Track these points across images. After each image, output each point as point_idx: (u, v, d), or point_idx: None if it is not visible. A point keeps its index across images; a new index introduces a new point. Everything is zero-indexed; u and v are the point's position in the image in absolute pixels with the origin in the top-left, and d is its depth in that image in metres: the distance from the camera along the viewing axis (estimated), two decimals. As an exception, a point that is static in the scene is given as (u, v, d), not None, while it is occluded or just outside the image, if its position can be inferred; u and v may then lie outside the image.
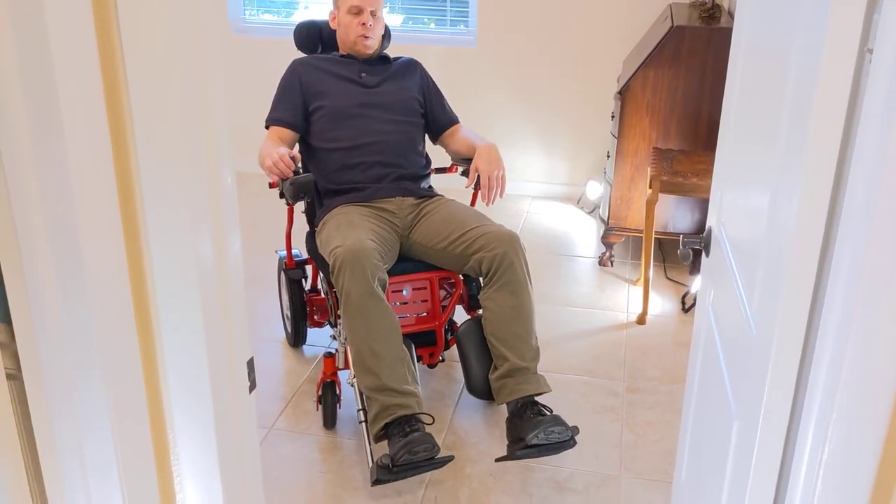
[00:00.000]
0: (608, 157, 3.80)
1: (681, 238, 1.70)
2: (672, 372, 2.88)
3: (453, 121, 2.85)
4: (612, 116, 3.70)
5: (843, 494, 0.94)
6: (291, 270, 2.85)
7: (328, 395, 2.55)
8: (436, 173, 2.84)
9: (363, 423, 2.33)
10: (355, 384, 2.36)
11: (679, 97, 3.42)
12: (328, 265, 2.32)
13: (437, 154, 2.94)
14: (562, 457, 2.39)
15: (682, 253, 1.63)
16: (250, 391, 1.21)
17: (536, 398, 2.34)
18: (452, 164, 2.89)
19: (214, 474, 1.16)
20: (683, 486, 1.87)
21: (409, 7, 4.62)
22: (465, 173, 2.69)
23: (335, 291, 2.36)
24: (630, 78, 3.47)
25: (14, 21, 0.91)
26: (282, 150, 2.48)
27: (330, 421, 2.57)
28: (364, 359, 2.26)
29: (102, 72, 1.02)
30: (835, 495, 0.96)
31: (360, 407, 2.34)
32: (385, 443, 2.24)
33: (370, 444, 2.31)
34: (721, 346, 1.52)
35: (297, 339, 2.99)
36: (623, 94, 3.49)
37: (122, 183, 1.08)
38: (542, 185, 4.62)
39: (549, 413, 2.30)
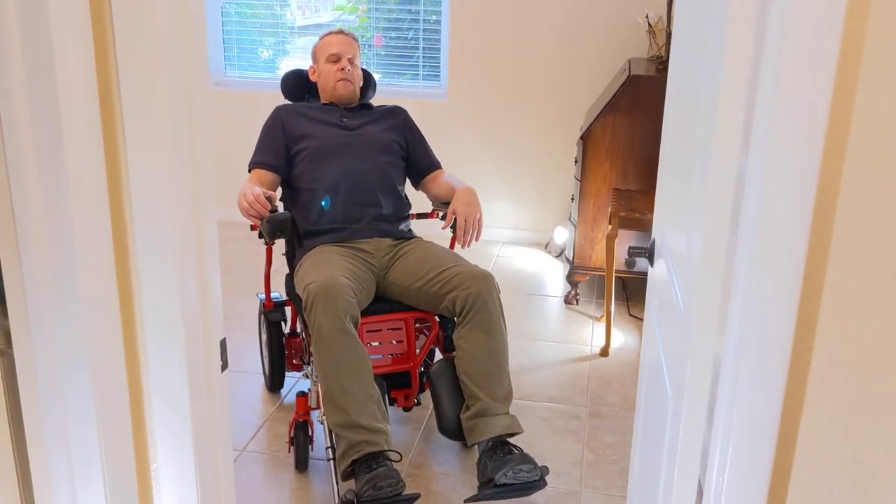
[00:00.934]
0: (572, 199, 3.97)
1: (628, 248, 1.84)
2: (633, 399, 2.99)
3: (434, 166, 2.88)
4: (576, 161, 3.88)
5: (751, 462, 1.07)
6: (270, 312, 2.84)
7: (300, 436, 2.52)
8: (417, 218, 2.89)
9: (331, 462, 2.31)
10: (325, 421, 2.34)
11: (636, 141, 3.61)
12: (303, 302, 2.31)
13: (420, 199, 2.98)
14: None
15: (627, 261, 1.77)
16: (222, 370, 1.32)
17: (508, 439, 2.31)
18: (434, 210, 2.90)
19: (187, 441, 1.25)
20: (636, 488, 1.97)
21: (386, 64, 4.84)
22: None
23: (308, 328, 2.34)
24: (591, 124, 3.67)
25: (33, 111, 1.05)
26: (257, 189, 2.51)
27: (302, 463, 2.54)
28: (333, 395, 2.25)
29: (105, 140, 1.15)
30: (743, 463, 1.08)
31: (329, 444, 2.33)
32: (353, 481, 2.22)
33: (337, 484, 2.29)
34: (661, 344, 1.65)
35: (274, 382, 2.99)
36: (585, 139, 3.68)
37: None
38: (511, 230, 4.78)
39: (518, 451, 2.26)
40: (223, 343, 1.31)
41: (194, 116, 1.22)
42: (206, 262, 1.25)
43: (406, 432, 2.79)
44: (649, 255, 1.86)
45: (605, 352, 3.35)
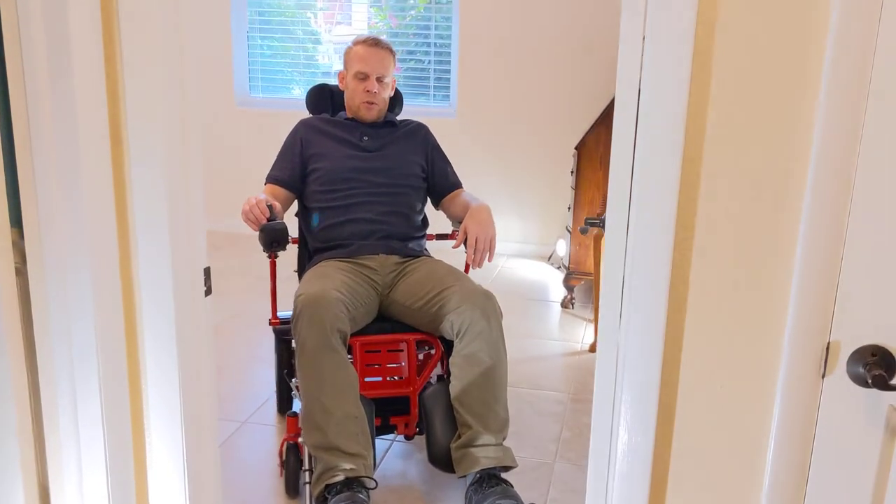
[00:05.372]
0: (569, 209, 4.17)
1: (584, 219, 2.04)
2: (616, 389, 3.15)
3: (455, 186, 2.74)
4: (572, 172, 4.09)
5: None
6: (276, 328, 2.65)
7: (290, 459, 2.35)
8: (437, 239, 2.79)
9: (307, 485, 2.22)
10: (302, 441, 2.23)
11: (628, 151, 3.80)
12: None
13: (441, 221, 2.89)
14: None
15: (581, 228, 1.96)
16: (206, 294, 1.53)
17: (500, 472, 2.20)
18: (454, 231, 2.74)
19: (173, 354, 1.47)
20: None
21: (401, 86, 5.11)
22: None
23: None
24: (585, 135, 3.88)
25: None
26: (260, 196, 2.45)
27: (293, 488, 2.36)
28: (313, 414, 2.14)
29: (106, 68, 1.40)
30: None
31: (307, 467, 2.23)
32: None
33: None
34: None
35: (281, 403, 2.88)
36: (579, 149, 3.89)
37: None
38: (517, 244, 4.97)
39: (507, 486, 2.16)
40: (207, 270, 1.53)
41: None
42: (190, 191, 1.47)
43: (407, 459, 2.67)
44: (602, 224, 2.05)
45: (593, 347, 3.51)
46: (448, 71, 5.00)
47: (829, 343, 1.20)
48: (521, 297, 4.21)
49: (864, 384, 1.17)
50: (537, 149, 4.84)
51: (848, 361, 1.19)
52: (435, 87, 5.06)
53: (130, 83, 1.39)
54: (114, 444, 1.48)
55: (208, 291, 1.54)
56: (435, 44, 5.00)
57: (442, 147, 2.80)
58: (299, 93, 5.21)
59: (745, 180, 1.17)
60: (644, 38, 1.18)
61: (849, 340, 1.19)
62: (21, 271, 1.45)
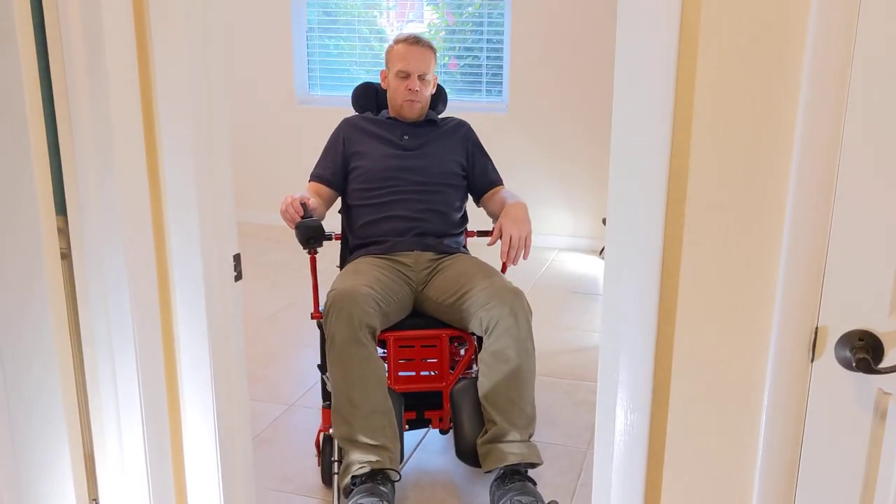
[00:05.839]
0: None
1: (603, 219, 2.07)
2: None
3: (494, 183, 2.74)
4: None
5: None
6: (319, 321, 2.57)
7: (326, 449, 2.41)
8: (478, 236, 2.79)
9: (336, 475, 2.27)
10: (332, 433, 2.30)
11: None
12: None
13: (484, 217, 2.84)
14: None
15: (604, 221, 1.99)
16: (236, 280, 1.64)
17: (525, 468, 2.23)
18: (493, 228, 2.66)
19: (203, 332, 1.58)
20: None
21: (456, 82, 5.20)
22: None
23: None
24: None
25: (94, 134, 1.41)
26: (297, 194, 2.49)
27: (328, 477, 2.40)
28: (340, 407, 2.21)
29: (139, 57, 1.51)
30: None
31: (337, 458, 2.28)
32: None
33: (338, 499, 2.24)
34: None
35: (326, 394, 2.73)
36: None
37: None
38: (568, 237, 5.00)
39: (527, 482, 2.19)
40: (237, 257, 1.64)
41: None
42: (217, 182, 1.58)
43: (440, 453, 2.71)
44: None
45: (636, 340, 3.52)
46: (500, 67, 5.05)
47: (817, 328, 1.22)
48: (569, 291, 4.24)
49: (851, 368, 1.20)
50: (588, 143, 4.85)
51: (836, 346, 1.22)
52: (488, 82, 5.12)
53: (161, 83, 1.50)
54: (150, 410, 1.60)
55: (238, 277, 1.64)
56: (488, 40, 5.06)
57: (493, 141, 2.77)
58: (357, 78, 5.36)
59: (732, 171, 1.21)
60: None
61: (836, 325, 1.21)
62: (66, 255, 1.58)
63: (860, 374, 1.21)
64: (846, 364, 1.21)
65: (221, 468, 1.67)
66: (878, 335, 1.20)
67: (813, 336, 1.23)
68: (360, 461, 2.17)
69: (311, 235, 2.42)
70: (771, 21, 1.14)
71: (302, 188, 2.66)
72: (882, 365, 1.20)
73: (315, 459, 2.60)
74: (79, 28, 1.43)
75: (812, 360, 1.24)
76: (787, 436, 1.27)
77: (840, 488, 1.26)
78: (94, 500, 1.68)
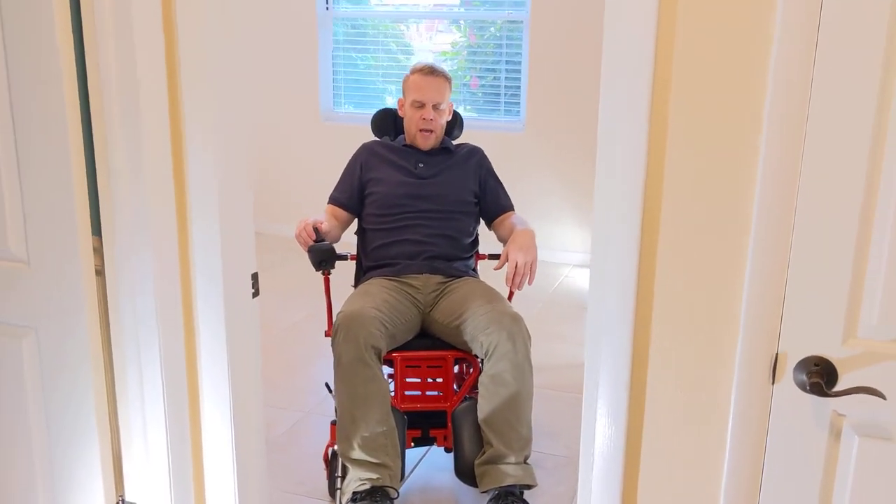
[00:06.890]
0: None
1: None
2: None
3: (505, 209, 2.82)
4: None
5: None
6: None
7: (333, 465, 2.49)
8: (489, 259, 2.84)
9: (338, 491, 2.36)
10: (336, 449, 2.40)
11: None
12: None
13: (495, 240, 2.89)
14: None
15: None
16: (253, 297, 1.79)
17: (520, 490, 2.34)
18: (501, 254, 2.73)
19: (222, 343, 1.73)
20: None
21: (476, 100, 5.34)
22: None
23: None
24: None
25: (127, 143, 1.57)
26: (310, 219, 2.60)
27: (334, 491, 2.47)
28: (344, 424, 2.30)
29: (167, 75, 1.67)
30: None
31: (339, 474, 2.37)
32: None
33: None
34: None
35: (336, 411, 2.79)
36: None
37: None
38: (582, 254, 5.10)
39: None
40: (255, 275, 1.79)
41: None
42: (237, 208, 1.73)
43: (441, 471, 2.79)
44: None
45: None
46: (518, 87, 5.19)
47: (777, 353, 1.34)
48: (580, 306, 4.35)
49: (806, 390, 1.31)
50: (603, 162, 4.96)
51: (794, 370, 1.33)
52: (506, 102, 5.26)
53: (190, 117, 1.66)
54: (173, 415, 1.75)
55: (256, 293, 1.79)
56: (507, 61, 5.20)
57: (510, 160, 2.84)
58: (391, 101, 5.50)
59: (698, 210, 1.33)
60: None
61: (794, 351, 1.33)
62: (100, 271, 1.74)
63: (816, 397, 1.33)
64: (803, 387, 1.32)
65: (237, 469, 1.82)
66: (832, 361, 1.31)
67: (773, 361, 1.34)
68: (360, 478, 2.28)
69: (322, 258, 2.56)
70: (735, 104, 1.27)
71: (323, 204, 2.80)
72: (835, 389, 1.31)
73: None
74: (115, 70, 1.59)
75: (773, 383, 1.35)
76: (750, 452, 1.39)
77: (798, 502, 1.38)
78: (121, 496, 1.83)
